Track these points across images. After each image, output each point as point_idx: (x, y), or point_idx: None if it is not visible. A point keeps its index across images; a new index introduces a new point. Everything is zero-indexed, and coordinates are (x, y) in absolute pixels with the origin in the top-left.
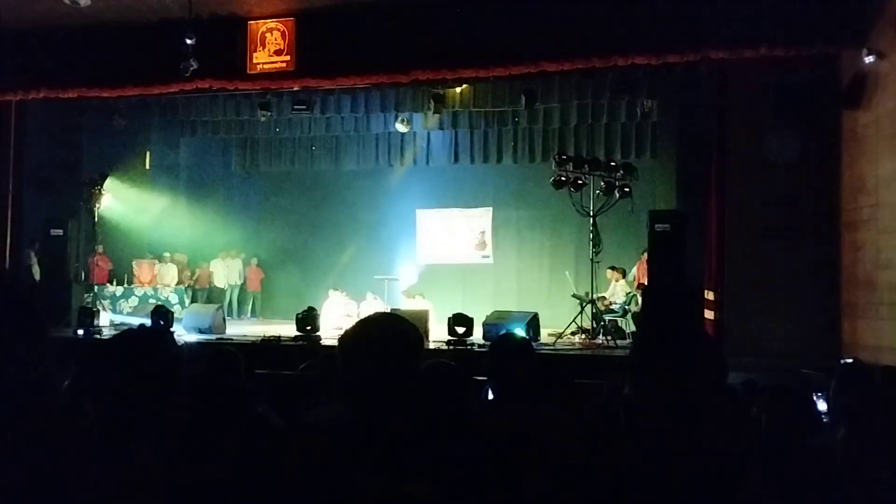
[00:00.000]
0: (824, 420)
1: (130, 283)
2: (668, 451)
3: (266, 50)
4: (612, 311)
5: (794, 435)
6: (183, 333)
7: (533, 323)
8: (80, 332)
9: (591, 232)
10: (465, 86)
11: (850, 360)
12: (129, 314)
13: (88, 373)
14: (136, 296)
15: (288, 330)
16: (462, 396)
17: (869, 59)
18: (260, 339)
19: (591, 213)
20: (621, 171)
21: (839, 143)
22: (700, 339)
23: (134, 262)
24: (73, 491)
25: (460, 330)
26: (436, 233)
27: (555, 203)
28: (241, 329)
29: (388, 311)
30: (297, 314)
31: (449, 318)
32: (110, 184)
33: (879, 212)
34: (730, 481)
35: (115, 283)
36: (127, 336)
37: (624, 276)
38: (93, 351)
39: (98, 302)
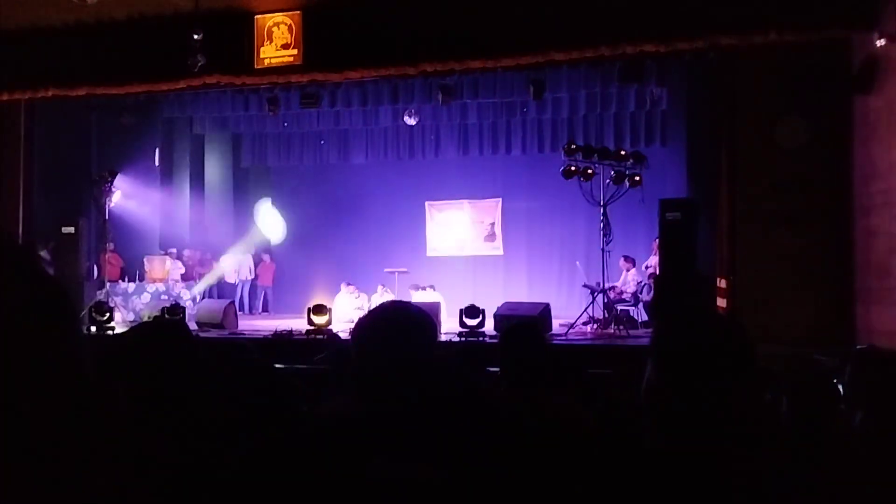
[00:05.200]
0: (840, 406)
1: (142, 279)
2: (690, 435)
3: (273, 44)
4: (624, 301)
5: (815, 420)
6: (195, 329)
7: (544, 313)
8: (93, 329)
9: (602, 221)
10: None
11: (865, 346)
12: (141, 310)
13: (104, 367)
14: (148, 292)
15: (299, 324)
16: (474, 385)
17: (880, 43)
18: (272, 333)
19: (602, 203)
20: (631, 160)
21: (850, 128)
22: (726, 323)
23: (145, 259)
24: (95, 481)
25: (472, 322)
26: (445, 225)
27: (564, 193)
28: (253, 324)
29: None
30: (308, 308)
31: (460, 310)
32: (120, 181)
33: (892, 196)
34: (750, 465)
35: (126, 279)
36: (143, 328)
37: (635, 266)
38: (109, 345)
39: (110, 299)
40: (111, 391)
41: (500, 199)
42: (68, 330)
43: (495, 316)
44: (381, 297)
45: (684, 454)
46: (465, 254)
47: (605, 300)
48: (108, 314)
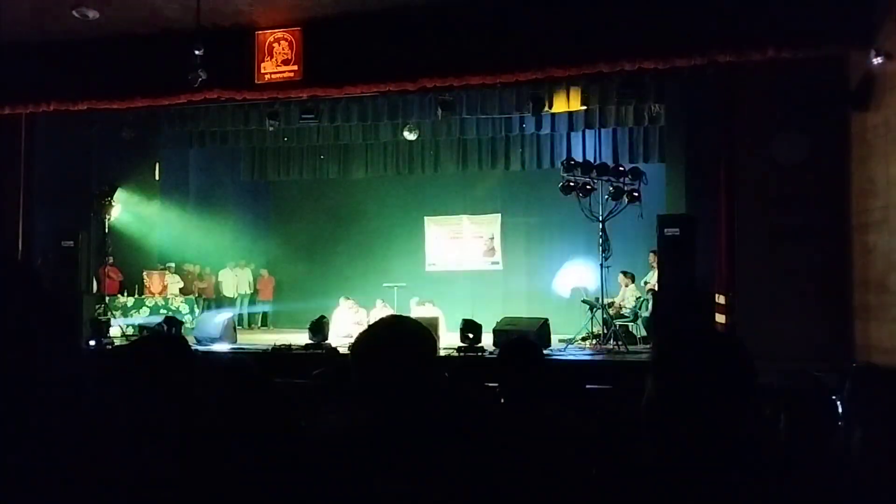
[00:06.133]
0: (838, 423)
1: (141, 293)
2: (689, 451)
3: (274, 60)
4: (623, 316)
5: (814, 437)
6: (194, 343)
7: (543, 329)
8: (92, 343)
9: (601, 237)
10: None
11: (864, 363)
12: (140, 324)
13: (104, 381)
14: (147, 306)
15: (299, 338)
16: (473, 400)
17: (877, 60)
18: (271, 347)
19: (600, 219)
20: (629, 176)
21: (848, 144)
22: (727, 340)
23: (144, 273)
24: (93, 494)
25: (471, 336)
26: (444, 240)
27: (563, 209)
28: (252, 338)
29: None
30: (308, 323)
31: (460, 325)
32: (120, 195)
33: (890, 213)
34: (748, 482)
35: (125, 293)
36: (142, 342)
37: (634, 281)
38: (108, 359)
39: (109, 313)
40: (111, 404)
41: (500, 214)
42: (67, 345)
43: (494, 331)
44: (381, 311)
45: (683, 469)
46: (464, 269)
47: (604, 316)
48: (106, 328)
